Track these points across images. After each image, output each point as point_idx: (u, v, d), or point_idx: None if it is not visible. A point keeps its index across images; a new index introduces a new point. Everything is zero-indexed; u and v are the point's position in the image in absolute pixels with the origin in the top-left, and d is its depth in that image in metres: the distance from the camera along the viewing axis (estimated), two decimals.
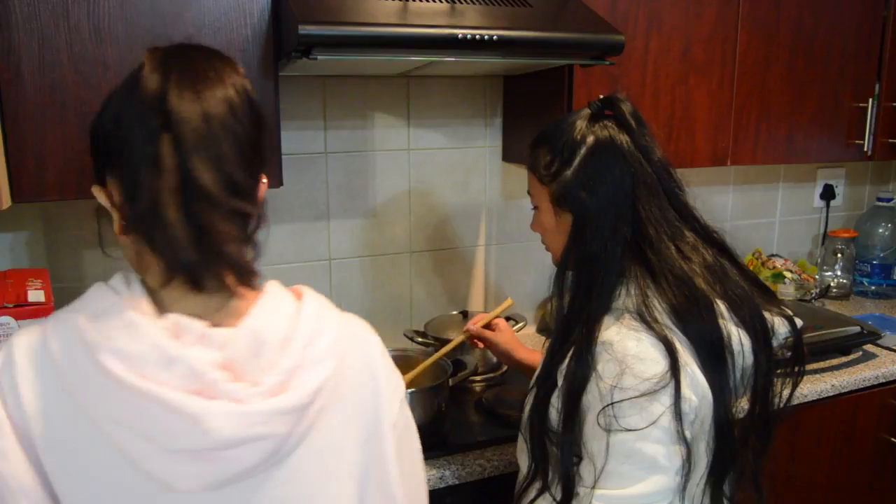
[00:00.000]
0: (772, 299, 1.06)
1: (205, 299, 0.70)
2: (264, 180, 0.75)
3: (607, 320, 0.97)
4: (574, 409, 0.95)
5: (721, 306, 0.99)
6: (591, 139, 1.02)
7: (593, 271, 0.99)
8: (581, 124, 1.04)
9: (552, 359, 1.01)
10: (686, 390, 0.92)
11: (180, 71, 0.66)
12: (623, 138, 1.01)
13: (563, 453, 0.97)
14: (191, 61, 0.69)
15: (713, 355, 0.95)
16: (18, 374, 0.64)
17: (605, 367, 0.93)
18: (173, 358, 0.64)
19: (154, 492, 0.66)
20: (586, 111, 1.06)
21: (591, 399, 0.93)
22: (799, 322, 1.06)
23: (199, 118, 0.65)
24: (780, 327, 1.04)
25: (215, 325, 0.69)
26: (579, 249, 1.01)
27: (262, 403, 0.66)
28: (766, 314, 1.02)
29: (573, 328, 0.99)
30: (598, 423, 0.92)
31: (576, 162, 1.02)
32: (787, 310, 1.06)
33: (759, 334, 1.00)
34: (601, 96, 1.06)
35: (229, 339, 0.68)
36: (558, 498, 0.98)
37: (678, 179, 1.05)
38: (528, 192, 1.13)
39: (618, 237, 0.98)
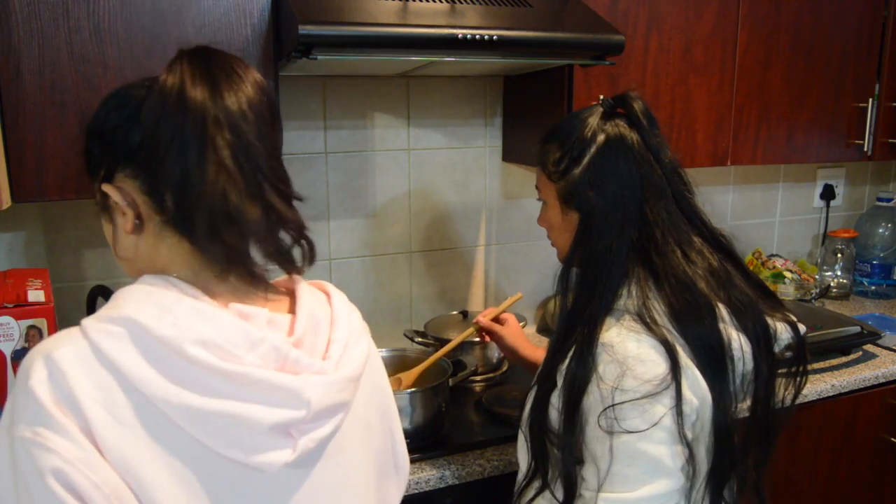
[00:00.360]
0: (777, 306, 1.05)
1: (248, 292, 0.73)
2: None
3: (609, 321, 0.96)
4: (574, 411, 0.95)
5: (723, 311, 0.98)
6: (601, 137, 1.01)
7: (598, 271, 0.98)
8: (592, 121, 1.03)
9: (553, 357, 1.00)
10: (687, 392, 0.91)
11: (226, 75, 0.70)
12: (634, 137, 1.01)
13: (563, 455, 0.96)
14: (225, 64, 0.72)
15: (713, 359, 0.95)
16: (73, 383, 0.62)
17: (605, 368, 0.92)
18: (257, 340, 0.66)
19: (235, 477, 0.67)
20: (599, 108, 1.05)
21: (593, 401, 0.93)
22: (802, 328, 1.05)
23: (250, 114, 0.70)
24: (783, 332, 1.03)
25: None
26: (585, 248, 1.01)
27: (336, 373, 0.71)
28: (769, 320, 1.01)
29: (575, 327, 0.98)
30: (600, 425, 0.91)
31: (585, 160, 1.01)
32: (791, 315, 1.05)
33: (761, 340, 0.99)
34: (601, 96, 1.06)
35: (291, 322, 0.73)
36: (560, 499, 0.98)
37: (688, 181, 1.04)
38: (536, 187, 1.13)
39: (623, 238, 0.98)
